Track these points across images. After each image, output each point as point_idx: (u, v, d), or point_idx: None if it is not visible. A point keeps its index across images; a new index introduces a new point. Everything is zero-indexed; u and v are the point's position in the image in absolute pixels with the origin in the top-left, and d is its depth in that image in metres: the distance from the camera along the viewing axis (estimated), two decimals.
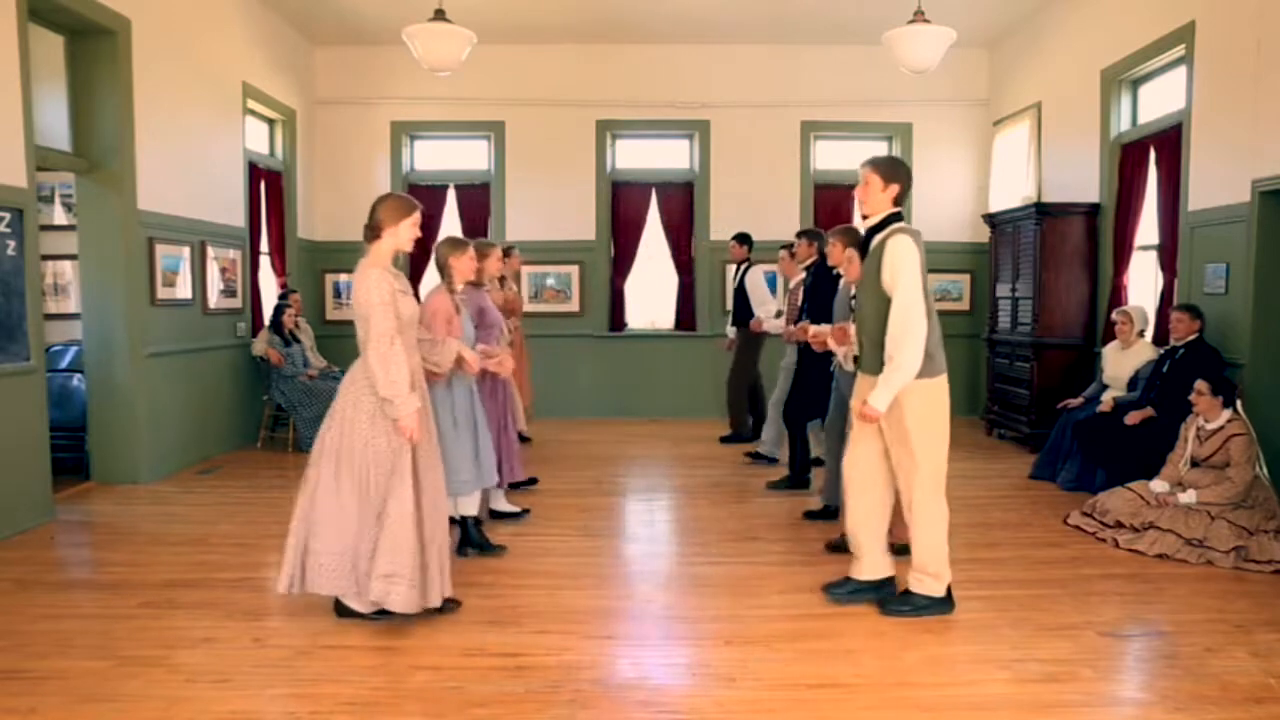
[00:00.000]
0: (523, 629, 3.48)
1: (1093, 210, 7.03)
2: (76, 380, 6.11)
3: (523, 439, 6.56)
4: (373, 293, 3.30)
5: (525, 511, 5.16)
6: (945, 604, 3.62)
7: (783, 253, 6.45)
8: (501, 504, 5.14)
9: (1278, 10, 5.05)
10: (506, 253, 7.15)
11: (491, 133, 8.99)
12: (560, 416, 8.74)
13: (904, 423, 3.54)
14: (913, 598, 3.64)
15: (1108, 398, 5.80)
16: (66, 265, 7.14)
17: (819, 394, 5.22)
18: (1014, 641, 3.37)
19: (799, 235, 6.15)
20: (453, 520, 4.15)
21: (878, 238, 3.64)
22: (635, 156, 9.26)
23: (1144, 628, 3.55)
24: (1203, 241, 5.71)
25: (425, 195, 8.73)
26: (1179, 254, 5.98)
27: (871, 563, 3.77)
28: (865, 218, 3.76)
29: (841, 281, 4.83)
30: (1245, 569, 4.21)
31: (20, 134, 4.85)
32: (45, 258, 6.40)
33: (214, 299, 6.93)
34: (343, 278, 8.83)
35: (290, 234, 8.32)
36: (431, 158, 9.30)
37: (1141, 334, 6.01)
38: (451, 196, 9.05)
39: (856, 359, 3.88)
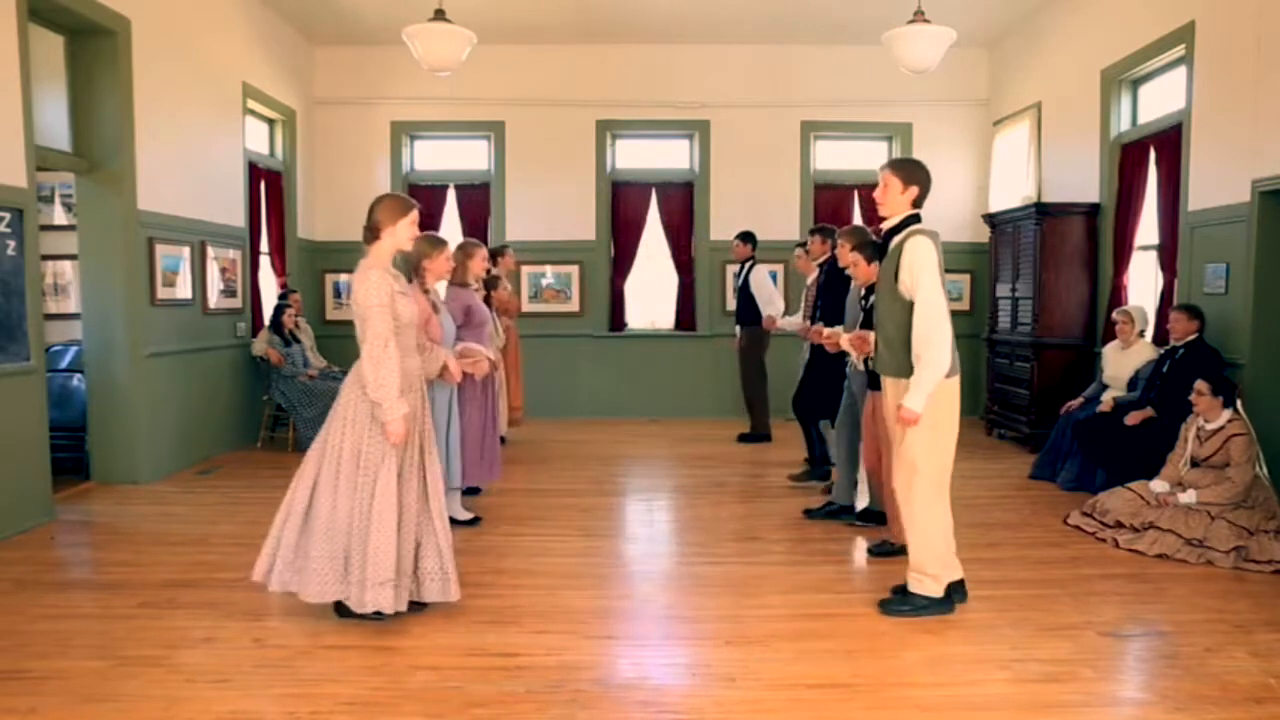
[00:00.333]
0: (523, 629, 3.48)
1: (1093, 210, 7.03)
2: (76, 380, 6.11)
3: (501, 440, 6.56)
4: (371, 294, 3.30)
5: (477, 519, 4.98)
6: (945, 604, 3.62)
7: (798, 251, 6.46)
8: (457, 510, 4.84)
9: (1278, 10, 5.05)
10: (500, 253, 7.18)
11: (491, 133, 8.99)
12: (560, 416, 8.74)
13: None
14: (912, 598, 3.64)
15: (1108, 398, 5.79)
16: (66, 265, 7.14)
17: (831, 394, 5.23)
18: (1014, 641, 3.36)
19: (812, 232, 6.17)
20: (455, 521, 4.14)
21: (896, 239, 3.64)
22: (635, 156, 9.26)
23: (1144, 628, 3.55)
24: (1203, 241, 5.71)
25: (425, 195, 8.74)
26: (1179, 254, 5.97)
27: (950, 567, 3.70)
28: (883, 220, 3.76)
29: (852, 283, 4.83)
30: (1245, 569, 4.21)
31: (20, 134, 4.85)
32: (45, 258, 6.40)
33: (214, 299, 6.93)
34: (342, 278, 8.82)
35: (290, 234, 8.32)
36: (431, 158, 9.29)
37: (1141, 334, 6.01)
38: (451, 196, 9.05)
39: (869, 360, 3.88)
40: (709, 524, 5.09)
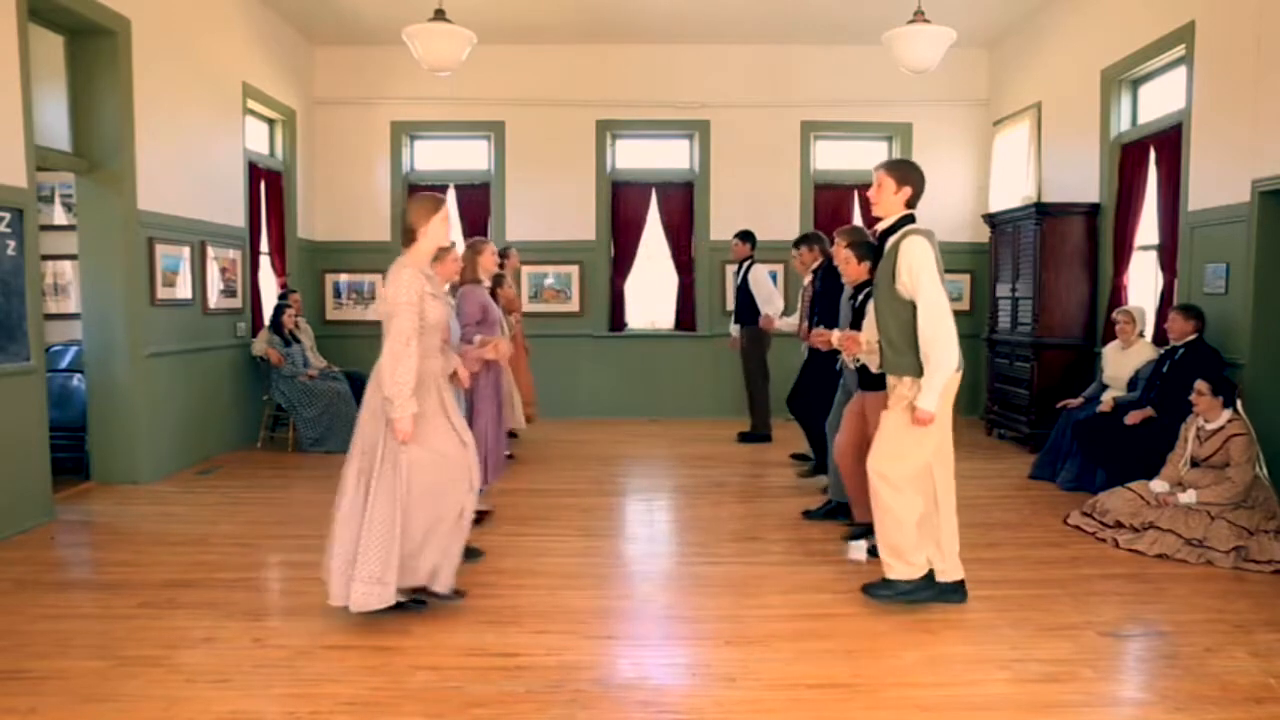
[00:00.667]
0: (523, 629, 3.48)
1: (1093, 210, 7.03)
2: (76, 380, 6.11)
3: (511, 435, 6.57)
4: (401, 292, 3.36)
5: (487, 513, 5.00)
6: (929, 587, 3.64)
7: (794, 252, 6.48)
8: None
9: (1278, 10, 5.05)
10: (506, 253, 7.18)
11: (491, 133, 8.99)
12: (560, 416, 8.74)
13: (905, 414, 3.57)
14: (894, 583, 3.66)
15: (1108, 398, 5.79)
16: (66, 265, 7.15)
17: (826, 393, 5.24)
18: (1014, 641, 3.37)
19: (796, 244, 6.19)
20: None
21: (891, 240, 3.64)
22: (635, 156, 9.26)
23: (1144, 628, 3.55)
24: (1203, 241, 5.71)
25: None
26: (1179, 254, 5.97)
27: (953, 565, 3.73)
28: (878, 220, 3.77)
29: (844, 280, 4.85)
30: (1245, 569, 4.21)
31: (20, 134, 4.85)
32: (45, 258, 6.40)
33: (214, 299, 6.93)
34: (343, 278, 8.80)
35: (290, 234, 8.31)
36: (431, 158, 9.29)
37: (1141, 334, 6.01)
38: (451, 197, 9.04)
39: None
40: (709, 524, 5.09)
